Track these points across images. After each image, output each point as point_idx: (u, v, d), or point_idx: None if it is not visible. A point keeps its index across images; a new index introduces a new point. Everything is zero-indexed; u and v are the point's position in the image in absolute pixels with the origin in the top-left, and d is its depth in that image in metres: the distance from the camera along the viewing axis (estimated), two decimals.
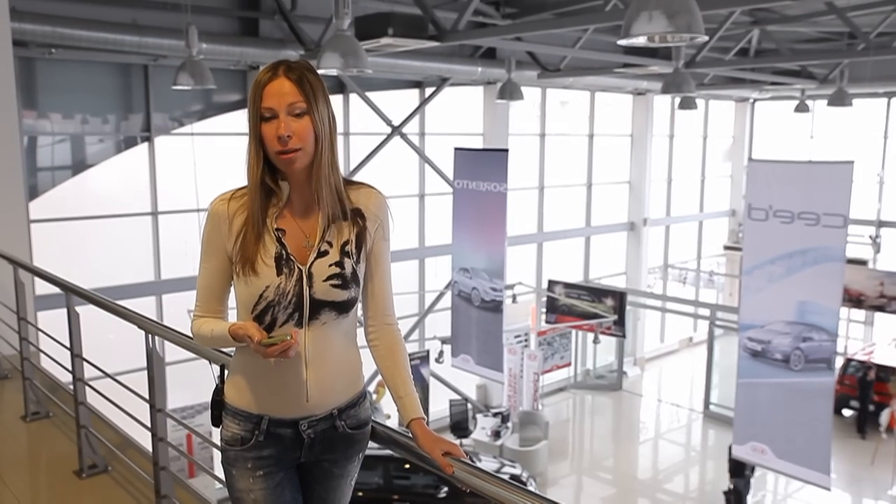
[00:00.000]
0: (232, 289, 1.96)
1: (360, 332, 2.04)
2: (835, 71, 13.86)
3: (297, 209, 1.90)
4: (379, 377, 11.79)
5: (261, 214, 1.86)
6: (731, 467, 11.04)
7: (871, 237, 18.36)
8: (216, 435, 2.08)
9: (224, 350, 2.25)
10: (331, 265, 1.88)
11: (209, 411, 2.05)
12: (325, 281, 1.87)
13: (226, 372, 2.04)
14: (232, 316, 1.98)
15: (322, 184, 1.86)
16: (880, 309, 16.20)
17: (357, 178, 2.00)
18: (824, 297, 7.39)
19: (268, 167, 1.85)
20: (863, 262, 17.20)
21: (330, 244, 1.89)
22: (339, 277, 1.88)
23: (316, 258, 1.88)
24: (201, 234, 1.93)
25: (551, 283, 15.17)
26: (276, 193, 1.88)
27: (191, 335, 2.05)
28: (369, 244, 1.95)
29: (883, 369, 14.15)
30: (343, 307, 1.90)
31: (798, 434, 7.75)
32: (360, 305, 2.01)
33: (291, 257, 1.87)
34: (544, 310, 15.46)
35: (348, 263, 1.90)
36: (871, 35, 11.09)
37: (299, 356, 1.88)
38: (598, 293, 14.76)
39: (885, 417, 12.90)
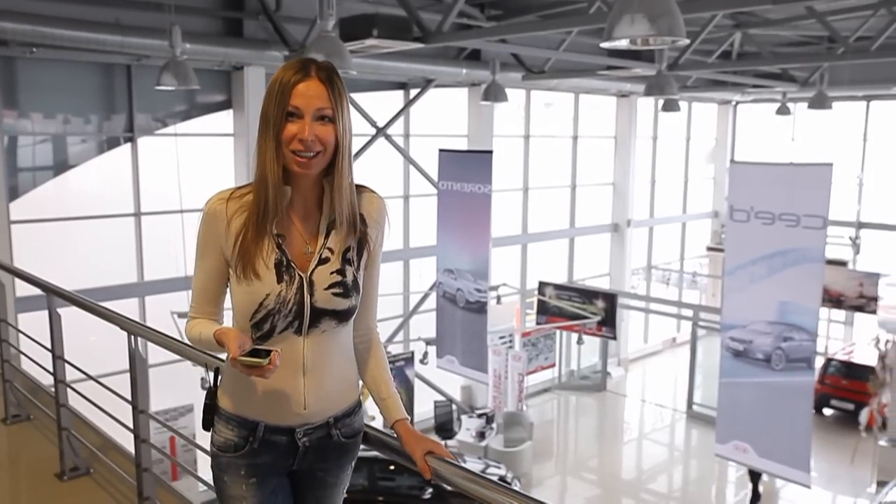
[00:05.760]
0: (228, 294, 1.91)
1: None
2: (815, 74, 14.01)
3: (297, 214, 1.86)
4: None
5: (277, 212, 1.80)
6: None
7: (850, 238, 18.57)
8: (200, 437, 2.06)
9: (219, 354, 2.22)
10: (332, 273, 1.84)
11: (197, 414, 2.03)
12: (326, 289, 1.83)
13: (220, 376, 2.00)
14: (227, 318, 1.94)
15: (342, 192, 1.82)
16: (860, 309, 16.40)
17: None
18: (804, 297, 7.47)
19: None
20: (843, 263, 17.39)
21: (331, 251, 1.85)
22: (341, 286, 1.85)
23: (317, 265, 1.84)
24: (197, 233, 1.87)
25: (542, 285, 15.22)
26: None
27: (172, 336, 2.04)
28: (370, 251, 1.92)
29: (862, 368, 14.33)
30: (344, 315, 1.88)
31: (779, 433, 7.82)
32: None
33: (292, 264, 1.82)
34: (532, 311, 15.50)
35: (349, 271, 1.86)
36: (850, 39, 11.22)
37: (298, 364, 1.86)
38: (588, 295, 14.82)
39: (864, 416, 13.03)
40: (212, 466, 1.98)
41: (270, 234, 1.81)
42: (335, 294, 1.84)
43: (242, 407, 1.91)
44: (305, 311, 1.82)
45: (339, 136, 1.78)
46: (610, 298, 14.57)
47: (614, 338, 15.02)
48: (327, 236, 1.86)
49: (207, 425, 1.97)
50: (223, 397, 1.95)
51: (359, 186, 1.93)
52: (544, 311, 15.08)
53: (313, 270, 1.83)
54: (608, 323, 14.43)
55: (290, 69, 1.77)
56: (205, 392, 2.00)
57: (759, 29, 12.95)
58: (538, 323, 15.00)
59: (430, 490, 9.78)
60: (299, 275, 1.82)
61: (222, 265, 1.86)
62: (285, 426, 1.90)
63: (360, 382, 2.09)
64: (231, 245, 1.81)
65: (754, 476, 11.58)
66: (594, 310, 14.44)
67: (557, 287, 15.20)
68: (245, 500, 1.93)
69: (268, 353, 1.70)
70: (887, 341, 12.89)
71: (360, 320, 1.99)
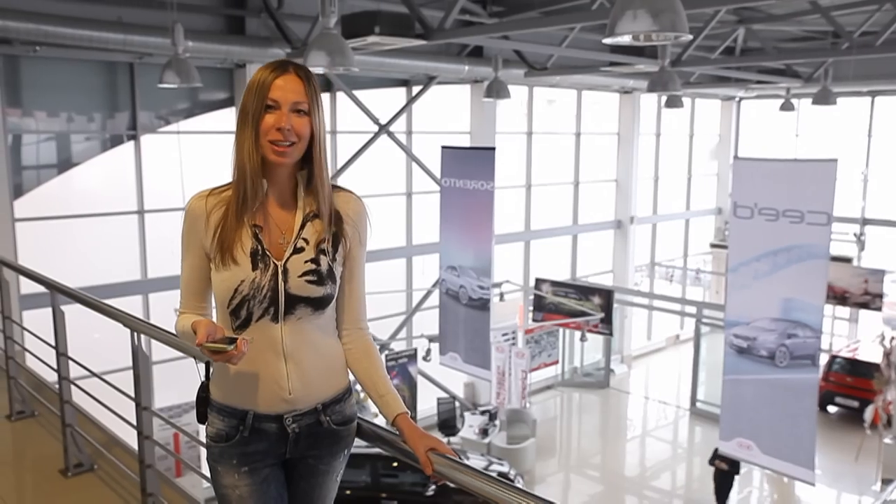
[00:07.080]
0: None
1: None
2: (819, 70, 13.96)
3: (274, 206, 1.94)
4: None
5: (255, 202, 1.88)
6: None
7: (855, 235, 18.51)
8: (203, 434, 2.08)
9: None
10: (306, 261, 1.92)
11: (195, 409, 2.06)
12: (300, 277, 1.90)
13: (211, 369, 2.05)
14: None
15: (318, 184, 1.91)
16: (864, 306, 16.34)
17: (344, 176, 2.02)
18: (809, 294, 7.44)
19: None
20: (847, 260, 17.34)
21: (306, 241, 1.93)
22: (315, 273, 1.91)
23: (292, 254, 1.91)
24: (180, 232, 1.96)
25: (538, 281, 15.20)
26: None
27: (175, 333, 2.06)
28: (346, 247, 1.98)
29: (866, 366, 14.30)
30: (318, 303, 1.93)
31: (783, 430, 7.80)
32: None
33: (267, 252, 1.90)
34: (531, 308, 15.50)
35: (324, 261, 1.93)
36: (854, 34, 11.17)
37: (278, 350, 1.91)
38: (585, 291, 14.81)
39: (868, 414, 13.00)
40: (207, 458, 2.03)
41: (248, 224, 1.90)
42: (309, 282, 1.91)
43: (231, 397, 1.96)
44: (280, 297, 1.89)
45: (315, 128, 1.88)
46: (606, 295, 14.55)
47: (611, 334, 15.01)
48: (302, 227, 1.94)
49: (202, 418, 2.03)
50: (214, 389, 2.00)
51: (339, 187, 2.02)
52: (541, 307, 15.08)
53: (288, 259, 1.91)
54: (605, 319, 14.42)
55: (269, 67, 1.89)
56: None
57: (763, 24, 12.92)
58: (535, 319, 14.99)
59: (433, 487, 9.79)
60: (274, 263, 1.90)
61: (204, 261, 1.94)
62: (273, 413, 1.95)
63: (351, 374, 2.11)
64: (210, 237, 1.90)
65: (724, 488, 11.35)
66: (591, 306, 14.42)
67: (554, 283, 15.19)
68: (238, 489, 1.96)
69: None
70: (892, 338, 12.84)
71: (346, 319, 2.05)
